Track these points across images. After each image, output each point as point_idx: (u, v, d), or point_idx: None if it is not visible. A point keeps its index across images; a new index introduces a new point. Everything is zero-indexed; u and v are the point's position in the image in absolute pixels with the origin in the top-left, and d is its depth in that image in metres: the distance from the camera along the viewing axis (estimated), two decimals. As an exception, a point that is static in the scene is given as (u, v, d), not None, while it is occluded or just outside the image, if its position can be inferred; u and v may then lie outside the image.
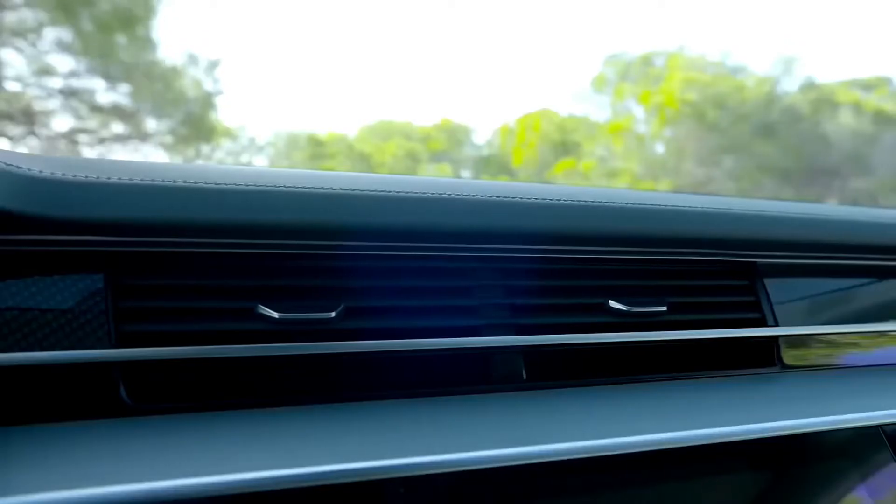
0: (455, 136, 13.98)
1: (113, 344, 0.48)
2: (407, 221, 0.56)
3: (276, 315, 0.53)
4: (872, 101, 12.28)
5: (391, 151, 13.14)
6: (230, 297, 0.54)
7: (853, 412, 0.65)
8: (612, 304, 0.65)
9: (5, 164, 0.46)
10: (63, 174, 0.47)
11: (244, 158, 13.19)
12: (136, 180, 0.49)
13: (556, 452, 0.52)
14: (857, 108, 12.35)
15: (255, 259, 0.54)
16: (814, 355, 0.74)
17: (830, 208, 0.80)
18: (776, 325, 0.72)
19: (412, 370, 0.58)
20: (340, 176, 0.57)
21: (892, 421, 0.66)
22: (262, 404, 0.51)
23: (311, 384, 0.54)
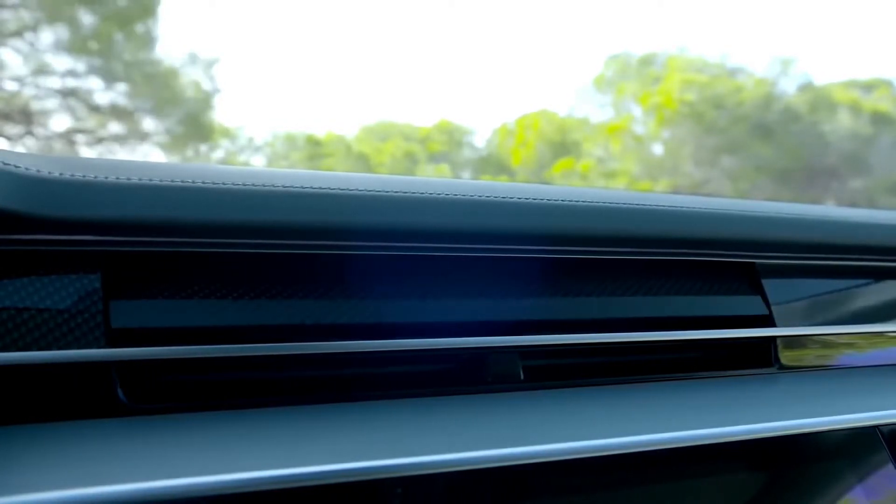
0: (454, 136, 13.98)
1: (110, 343, 0.48)
2: (405, 222, 0.56)
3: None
4: (870, 101, 12.30)
5: (390, 152, 13.14)
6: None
7: (850, 413, 0.65)
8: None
9: (3, 163, 0.46)
10: (61, 173, 0.47)
11: (242, 158, 13.18)
12: (134, 180, 0.49)
13: (554, 452, 0.52)
14: (854, 108, 12.37)
15: (253, 259, 0.54)
16: (811, 356, 0.74)
17: (828, 209, 0.80)
18: (774, 325, 0.72)
19: (410, 370, 0.58)
20: (338, 176, 0.57)
21: (889, 421, 0.66)
22: (260, 404, 0.51)
23: (308, 383, 0.54)
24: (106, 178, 0.48)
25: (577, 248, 0.63)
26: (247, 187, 0.51)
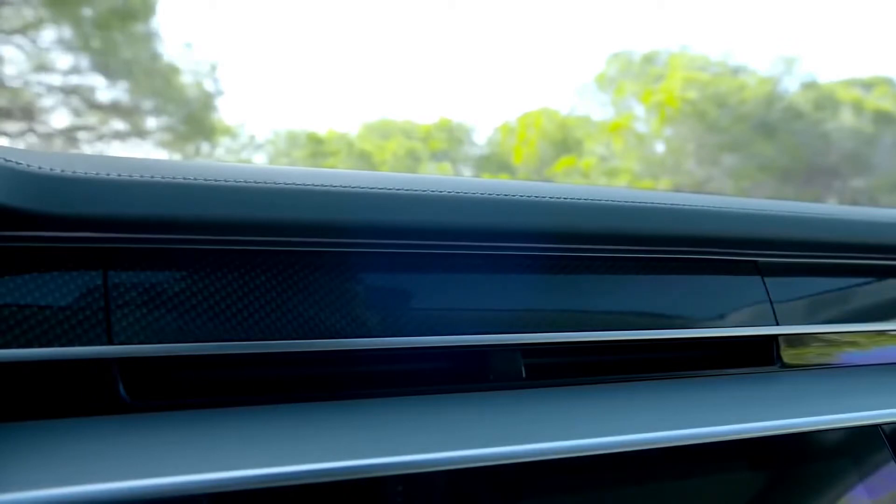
0: (455, 134, 13.99)
1: (111, 341, 0.48)
2: (409, 219, 0.56)
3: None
4: (872, 100, 12.28)
5: (391, 150, 13.14)
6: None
7: (852, 411, 0.65)
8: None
9: (4, 160, 0.46)
10: (62, 170, 0.47)
11: (244, 156, 13.20)
12: (136, 177, 0.49)
13: (555, 451, 0.52)
14: (857, 107, 12.35)
15: (255, 256, 0.54)
16: (813, 354, 0.74)
17: (831, 208, 0.80)
18: (776, 323, 0.72)
19: (412, 367, 0.58)
20: (341, 174, 0.57)
21: (891, 420, 0.66)
22: (261, 401, 0.51)
23: (312, 381, 0.54)
24: (108, 175, 0.48)
25: (579, 246, 0.63)
26: (249, 185, 0.51)
